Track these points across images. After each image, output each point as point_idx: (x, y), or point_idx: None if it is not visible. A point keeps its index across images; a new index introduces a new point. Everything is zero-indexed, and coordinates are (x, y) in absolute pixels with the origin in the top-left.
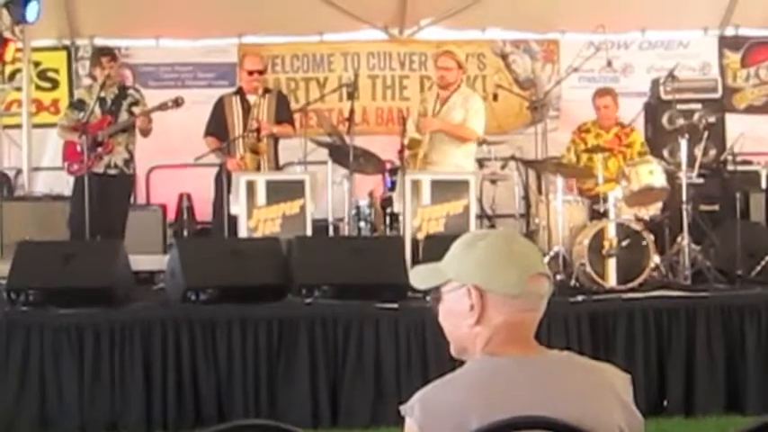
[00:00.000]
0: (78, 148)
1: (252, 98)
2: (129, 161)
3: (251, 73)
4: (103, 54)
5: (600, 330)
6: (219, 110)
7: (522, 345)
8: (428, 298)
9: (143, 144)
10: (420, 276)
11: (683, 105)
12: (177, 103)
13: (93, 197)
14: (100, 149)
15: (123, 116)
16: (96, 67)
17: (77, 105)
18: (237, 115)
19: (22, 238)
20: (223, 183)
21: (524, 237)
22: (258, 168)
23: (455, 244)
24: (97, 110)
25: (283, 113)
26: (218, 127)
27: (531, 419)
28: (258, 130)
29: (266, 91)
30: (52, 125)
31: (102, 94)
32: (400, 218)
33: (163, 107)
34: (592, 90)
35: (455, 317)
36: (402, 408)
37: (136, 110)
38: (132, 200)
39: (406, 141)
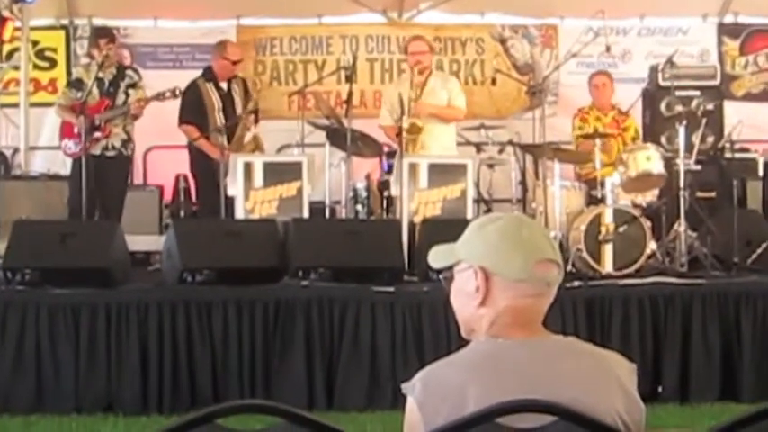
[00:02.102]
0: (75, 130)
1: (223, 85)
2: (128, 141)
3: (235, 63)
4: (101, 36)
5: (596, 316)
6: (197, 96)
7: (527, 329)
8: (441, 276)
9: (140, 125)
10: (436, 255)
11: (681, 92)
12: (174, 94)
13: (91, 179)
14: (97, 134)
15: (121, 98)
16: (94, 48)
17: (75, 85)
18: (217, 103)
19: (18, 217)
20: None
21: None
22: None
23: (470, 225)
24: (95, 90)
25: (249, 99)
26: (196, 115)
27: (529, 402)
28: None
29: (231, 77)
30: (50, 104)
31: (101, 75)
32: (397, 201)
33: (160, 97)
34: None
35: (463, 297)
36: (403, 386)
37: (132, 92)
38: (129, 180)
39: (405, 126)
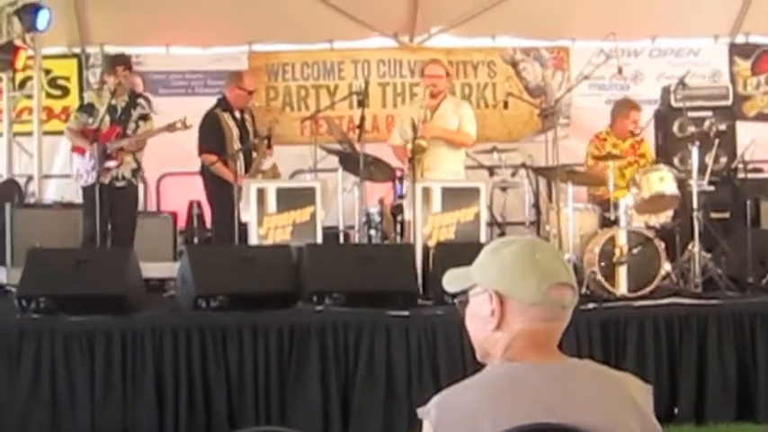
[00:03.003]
0: (87, 155)
1: (237, 114)
2: (137, 170)
3: (250, 93)
4: (119, 63)
5: (611, 338)
6: (216, 125)
7: (542, 352)
8: (456, 300)
9: (154, 152)
10: (450, 279)
11: (693, 113)
12: (184, 124)
13: (105, 207)
14: (110, 163)
15: (131, 126)
16: (111, 74)
17: (87, 110)
18: (235, 132)
19: (32, 245)
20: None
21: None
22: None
23: (484, 249)
24: (106, 117)
25: (256, 129)
26: (216, 143)
27: (546, 426)
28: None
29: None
30: (63, 133)
31: (113, 102)
32: (410, 225)
33: (171, 128)
34: (602, 98)
35: (478, 321)
36: (419, 411)
37: (143, 124)
38: (142, 207)
39: (409, 146)
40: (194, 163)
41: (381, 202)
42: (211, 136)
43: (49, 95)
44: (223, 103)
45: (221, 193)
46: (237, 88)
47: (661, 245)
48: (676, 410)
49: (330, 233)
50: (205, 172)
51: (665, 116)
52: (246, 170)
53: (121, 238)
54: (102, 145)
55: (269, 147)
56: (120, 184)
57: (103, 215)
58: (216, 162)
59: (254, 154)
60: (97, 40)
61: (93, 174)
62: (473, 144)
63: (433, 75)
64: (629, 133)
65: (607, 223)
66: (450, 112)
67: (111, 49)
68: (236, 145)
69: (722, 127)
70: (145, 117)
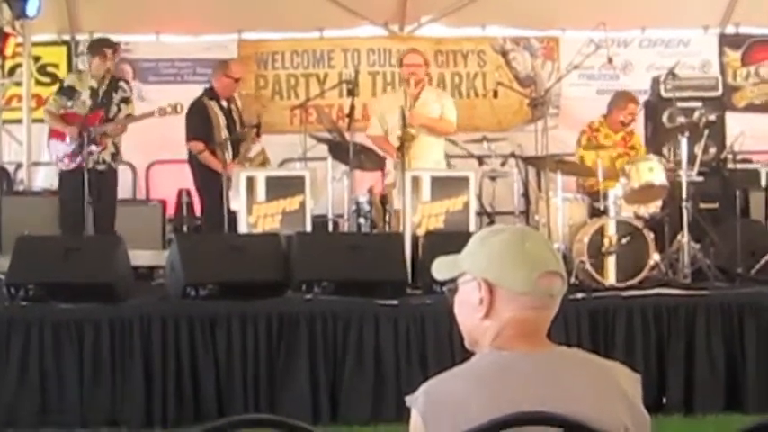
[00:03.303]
0: (67, 140)
1: (224, 103)
2: (116, 155)
3: (237, 81)
4: (107, 45)
5: (599, 328)
6: (203, 114)
7: (531, 341)
8: (444, 288)
9: (143, 139)
10: (440, 267)
11: (683, 103)
12: (176, 110)
13: (93, 192)
14: (93, 147)
15: (113, 110)
16: (97, 57)
17: (66, 92)
18: (222, 120)
19: (21, 233)
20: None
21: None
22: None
23: (473, 237)
24: (88, 100)
25: (242, 118)
26: (203, 131)
27: (533, 415)
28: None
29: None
30: None
31: (94, 85)
32: (400, 214)
33: (162, 112)
34: (592, 88)
35: (467, 309)
36: (407, 398)
37: (124, 107)
38: (131, 195)
39: (398, 134)
40: (183, 151)
41: (371, 190)
42: (198, 124)
43: (38, 83)
44: (210, 92)
45: (210, 182)
46: (224, 77)
47: (650, 235)
48: (665, 400)
49: (319, 222)
50: (193, 161)
51: (654, 106)
52: (234, 158)
53: (103, 222)
54: (86, 128)
55: (257, 135)
56: (101, 167)
57: (87, 200)
58: (203, 151)
59: (243, 142)
60: (87, 27)
61: (75, 159)
62: (454, 132)
63: (412, 64)
64: (620, 125)
65: (596, 213)
66: (432, 100)
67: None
68: (224, 133)
69: (712, 118)
70: (126, 100)
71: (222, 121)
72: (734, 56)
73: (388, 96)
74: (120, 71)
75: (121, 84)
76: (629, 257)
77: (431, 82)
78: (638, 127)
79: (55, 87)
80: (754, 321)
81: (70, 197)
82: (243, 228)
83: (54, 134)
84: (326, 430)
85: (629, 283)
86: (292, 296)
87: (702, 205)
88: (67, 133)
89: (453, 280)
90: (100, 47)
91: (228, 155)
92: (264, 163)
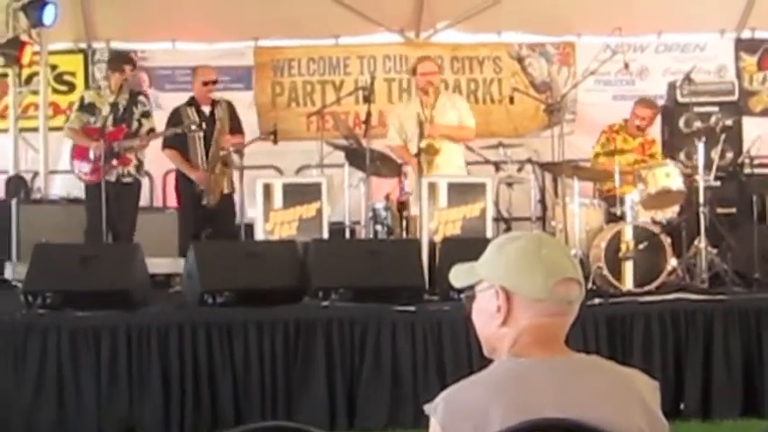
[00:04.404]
0: (91, 155)
1: (206, 109)
2: (140, 167)
3: (206, 84)
4: (127, 62)
5: (617, 333)
6: (178, 121)
7: (549, 347)
8: (462, 295)
9: (159, 148)
10: (457, 274)
11: (699, 108)
12: (201, 127)
13: (111, 205)
14: (115, 161)
15: (134, 125)
16: (116, 72)
17: (88, 109)
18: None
19: (38, 240)
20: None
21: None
22: (228, 181)
23: (491, 244)
24: (108, 115)
25: (236, 124)
26: (178, 139)
27: (552, 422)
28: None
29: (214, 101)
30: None
31: (115, 100)
32: (417, 221)
33: (186, 129)
34: (608, 93)
35: (484, 316)
36: (426, 407)
37: (145, 121)
38: (148, 203)
39: (422, 145)
40: None
41: (387, 197)
42: (175, 133)
43: (55, 91)
44: (190, 100)
45: (186, 187)
46: (197, 82)
47: (667, 240)
48: (682, 406)
49: (336, 229)
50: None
51: (671, 111)
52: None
53: (125, 233)
54: (108, 143)
55: (275, 141)
56: (126, 180)
57: (109, 212)
58: (180, 162)
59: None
60: (103, 35)
61: (99, 172)
62: (474, 138)
63: (428, 72)
64: (636, 129)
65: (613, 219)
66: (449, 107)
67: (117, 45)
68: (200, 142)
69: (728, 122)
70: (147, 114)
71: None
72: (750, 60)
73: (404, 105)
74: (136, 79)
75: (141, 98)
76: (647, 263)
77: (446, 87)
78: (655, 132)
79: (75, 105)
80: None
81: (98, 209)
82: (260, 235)
83: (77, 155)
84: None
85: (646, 288)
86: (309, 303)
87: (719, 210)
88: (91, 147)
89: (471, 287)
90: (120, 63)
91: (203, 159)
92: (227, 163)
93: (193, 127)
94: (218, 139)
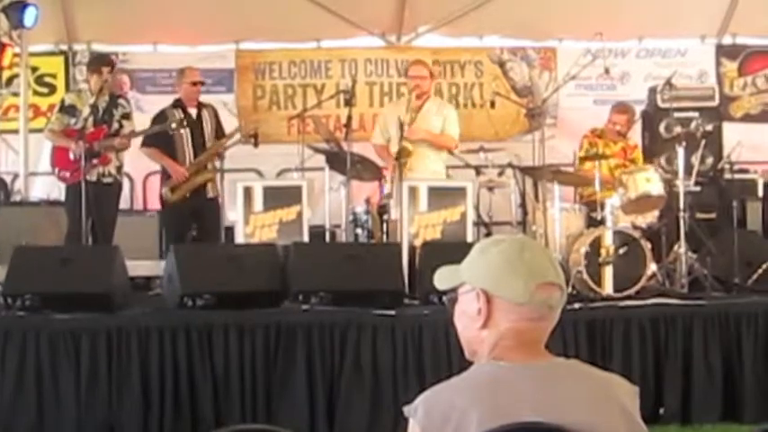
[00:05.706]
0: (72, 156)
1: (192, 111)
2: (121, 168)
3: (195, 84)
4: (105, 63)
5: (597, 338)
6: (162, 122)
7: (529, 351)
8: (445, 298)
9: (139, 150)
10: (441, 277)
11: (680, 113)
12: (182, 125)
13: (90, 205)
14: (95, 160)
15: (114, 126)
16: (95, 74)
17: (69, 111)
18: (184, 128)
19: (18, 243)
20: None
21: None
22: (205, 184)
23: (474, 247)
24: (89, 116)
25: (221, 129)
26: (161, 138)
27: (529, 425)
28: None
29: (200, 104)
30: None
31: (95, 102)
32: (397, 224)
33: (168, 128)
34: (589, 98)
35: (466, 319)
36: (405, 409)
37: (126, 123)
38: (128, 206)
39: (394, 147)
40: None
41: (368, 201)
42: (157, 132)
43: (35, 93)
44: (176, 101)
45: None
46: (184, 83)
47: (647, 245)
48: (662, 411)
49: (316, 232)
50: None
51: (651, 117)
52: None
53: (105, 234)
54: (88, 143)
55: (255, 145)
56: (107, 180)
57: (89, 212)
58: (162, 158)
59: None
60: (84, 37)
61: (78, 173)
62: (456, 147)
63: (416, 75)
64: (618, 134)
65: (593, 223)
66: (434, 112)
67: (99, 47)
68: (186, 143)
69: (709, 128)
70: (127, 116)
71: (186, 131)
72: (731, 66)
73: (393, 106)
74: (117, 82)
75: (121, 101)
76: (627, 267)
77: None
78: (635, 137)
79: (57, 107)
80: (750, 331)
81: (78, 209)
82: (240, 238)
83: (58, 161)
84: None
85: (626, 293)
86: (289, 306)
87: (699, 215)
88: (71, 148)
89: (454, 290)
90: (98, 64)
91: (190, 160)
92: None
93: (174, 125)
94: (211, 144)
